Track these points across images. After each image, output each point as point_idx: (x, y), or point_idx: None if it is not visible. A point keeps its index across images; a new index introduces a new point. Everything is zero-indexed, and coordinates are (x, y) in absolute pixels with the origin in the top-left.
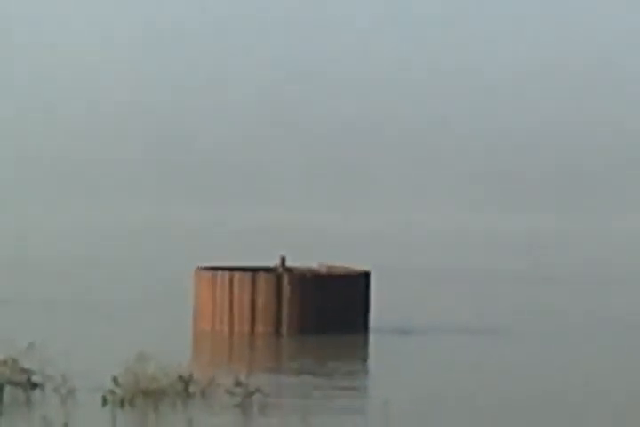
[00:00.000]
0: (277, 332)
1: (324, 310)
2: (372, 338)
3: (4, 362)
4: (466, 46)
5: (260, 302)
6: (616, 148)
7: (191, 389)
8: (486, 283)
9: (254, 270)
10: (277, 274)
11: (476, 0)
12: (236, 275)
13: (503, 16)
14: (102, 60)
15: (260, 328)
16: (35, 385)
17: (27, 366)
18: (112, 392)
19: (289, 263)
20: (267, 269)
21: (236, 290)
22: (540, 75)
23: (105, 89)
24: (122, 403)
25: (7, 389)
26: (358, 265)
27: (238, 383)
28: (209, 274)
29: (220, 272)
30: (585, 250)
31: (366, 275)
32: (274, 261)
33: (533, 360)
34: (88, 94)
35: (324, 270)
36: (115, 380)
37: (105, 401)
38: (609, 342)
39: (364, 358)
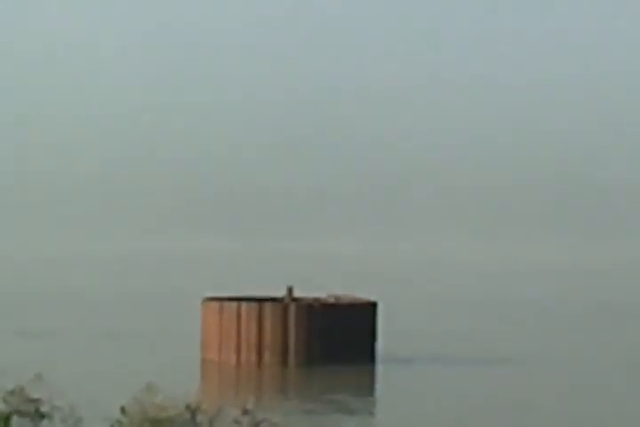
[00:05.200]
0: (284, 362)
1: (331, 340)
2: (379, 367)
3: (12, 392)
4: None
5: (267, 331)
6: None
7: (198, 418)
8: (498, 312)
9: (261, 300)
10: (284, 304)
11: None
12: (243, 305)
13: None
14: (123, 88)
15: (267, 358)
16: (42, 415)
17: (35, 395)
18: (120, 422)
19: (299, 293)
20: (274, 299)
21: (243, 320)
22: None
23: (131, 117)
24: None
25: (15, 419)
26: (367, 295)
27: (245, 413)
28: (216, 304)
29: (227, 302)
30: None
31: (373, 305)
32: (283, 291)
33: (543, 390)
34: (112, 126)
35: (332, 300)
36: (122, 410)
37: None
38: (620, 377)
39: (371, 388)
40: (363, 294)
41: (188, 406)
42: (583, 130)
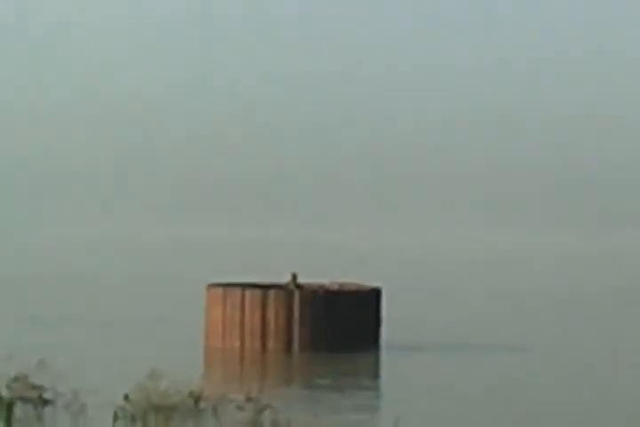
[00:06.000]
0: (288, 348)
1: (336, 327)
2: (383, 354)
3: (15, 378)
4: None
5: (271, 318)
6: None
7: (202, 405)
8: (507, 300)
9: (265, 287)
10: (289, 291)
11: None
12: (248, 292)
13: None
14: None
15: (271, 345)
16: (46, 402)
17: (38, 382)
18: (123, 409)
19: (303, 280)
20: (278, 286)
21: (247, 307)
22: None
23: (130, 108)
24: (133, 419)
25: (18, 405)
26: (371, 281)
27: (249, 400)
28: (220, 291)
29: (230, 289)
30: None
31: (377, 291)
32: (286, 278)
33: (551, 380)
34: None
35: (335, 287)
36: (126, 396)
37: (116, 418)
38: (622, 363)
39: (376, 375)
40: (367, 280)
41: (191, 393)
42: (597, 115)
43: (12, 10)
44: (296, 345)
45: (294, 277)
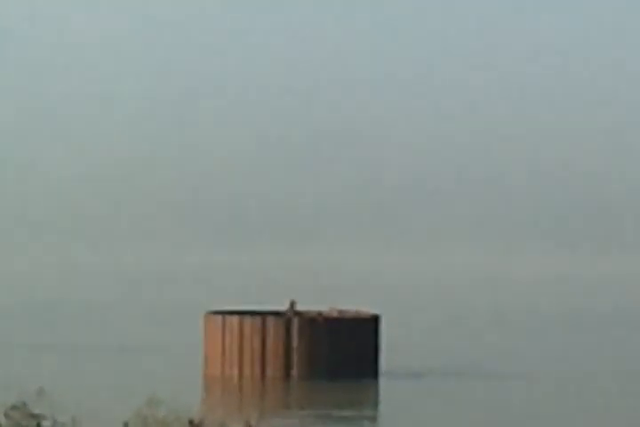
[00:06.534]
0: (287, 376)
1: (334, 354)
2: (382, 382)
3: (14, 407)
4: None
5: (269, 346)
6: None
7: None
8: (507, 326)
9: (264, 314)
10: (287, 318)
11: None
12: (246, 319)
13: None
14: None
15: (270, 372)
16: None
17: (37, 410)
18: None
19: (302, 307)
20: (276, 313)
21: (245, 334)
22: None
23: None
24: None
25: None
26: (369, 308)
27: None
28: (218, 318)
29: (229, 317)
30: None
31: (376, 319)
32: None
33: (551, 408)
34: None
35: (334, 314)
36: (125, 424)
37: None
38: (614, 388)
39: (375, 403)
40: (365, 307)
41: (190, 421)
42: (603, 135)
43: (11, 10)
44: (295, 373)
45: (292, 304)
